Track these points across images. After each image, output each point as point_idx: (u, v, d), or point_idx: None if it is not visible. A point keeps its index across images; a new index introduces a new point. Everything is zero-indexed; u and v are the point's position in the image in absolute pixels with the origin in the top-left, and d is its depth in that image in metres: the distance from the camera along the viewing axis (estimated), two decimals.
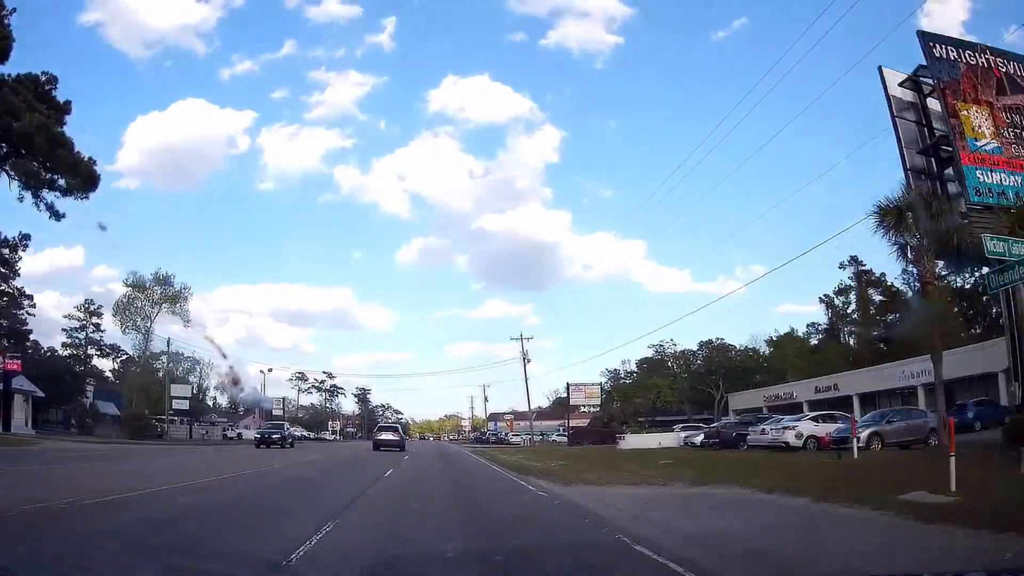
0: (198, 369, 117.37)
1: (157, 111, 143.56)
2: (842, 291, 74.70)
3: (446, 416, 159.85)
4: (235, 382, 17.20)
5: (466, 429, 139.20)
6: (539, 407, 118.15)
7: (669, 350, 79.44)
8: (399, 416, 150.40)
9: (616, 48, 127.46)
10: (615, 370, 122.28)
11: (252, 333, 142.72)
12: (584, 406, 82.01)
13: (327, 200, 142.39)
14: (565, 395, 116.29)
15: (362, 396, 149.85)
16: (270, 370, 79.76)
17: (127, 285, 72.31)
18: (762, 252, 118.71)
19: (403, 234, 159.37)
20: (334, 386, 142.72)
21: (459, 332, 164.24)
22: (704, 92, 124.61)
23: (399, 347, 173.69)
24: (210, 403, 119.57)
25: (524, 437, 78.84)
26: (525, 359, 69.66)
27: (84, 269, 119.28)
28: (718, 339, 75.47)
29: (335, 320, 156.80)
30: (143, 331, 71.49)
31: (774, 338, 71.88)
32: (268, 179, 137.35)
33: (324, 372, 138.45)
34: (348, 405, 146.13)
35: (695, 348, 77.80)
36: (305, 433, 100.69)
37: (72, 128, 31.47)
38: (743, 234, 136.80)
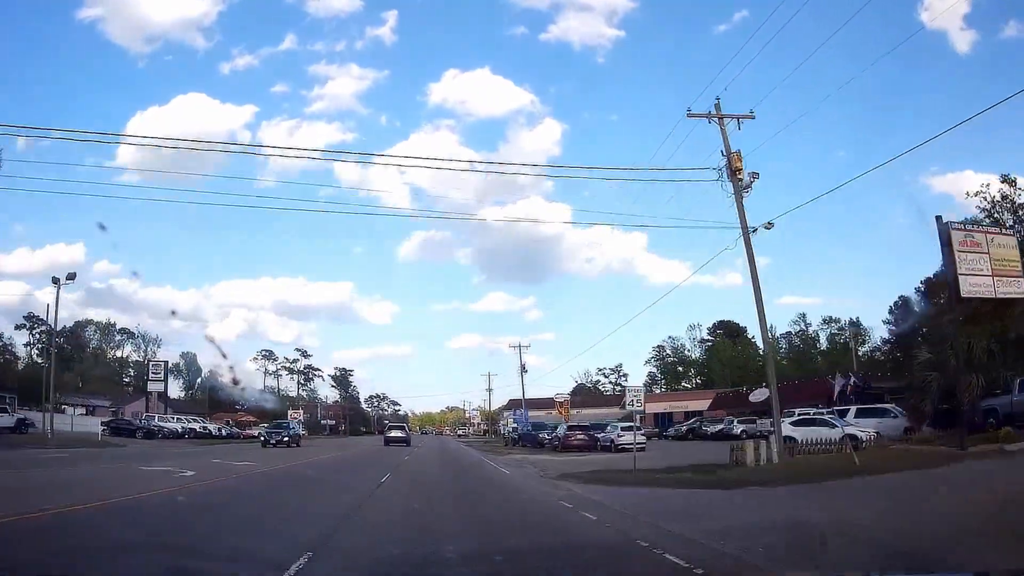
0: (139, 344, 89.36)
1: (157, 106, 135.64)
2: None
3: (448, 408, 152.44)
4: (235, 382, 17.35)
5: (474, 420, 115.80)
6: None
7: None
8: (397, 408, 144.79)
9: (617, 41, 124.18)
10: (661, 346, 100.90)
11: (253, 327, 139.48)
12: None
13: (327, 194, 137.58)
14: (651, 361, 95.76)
15: (342, 379, 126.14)
16: (66, 278, 44.05)
17: None
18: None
19: (404, 228, 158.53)
20: (309, 367, 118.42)
21: (460, 325, 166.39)
22: (705, 85, 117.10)
23: (400, 340, 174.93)
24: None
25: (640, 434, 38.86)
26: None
27: (85, 265, 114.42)
28: None
29: (336, 314, 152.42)
30: None
31: None
32: (268, 173, 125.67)
33: (297, 350, 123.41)
34: (332, 393, 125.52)
35: None
36: (203, 426, 60.76)
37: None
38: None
